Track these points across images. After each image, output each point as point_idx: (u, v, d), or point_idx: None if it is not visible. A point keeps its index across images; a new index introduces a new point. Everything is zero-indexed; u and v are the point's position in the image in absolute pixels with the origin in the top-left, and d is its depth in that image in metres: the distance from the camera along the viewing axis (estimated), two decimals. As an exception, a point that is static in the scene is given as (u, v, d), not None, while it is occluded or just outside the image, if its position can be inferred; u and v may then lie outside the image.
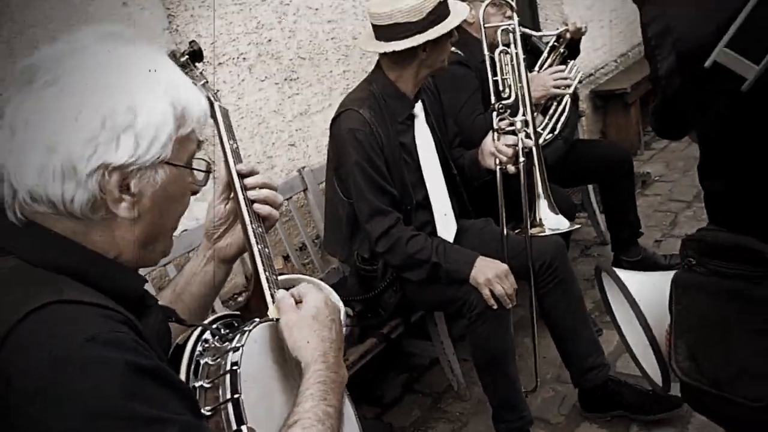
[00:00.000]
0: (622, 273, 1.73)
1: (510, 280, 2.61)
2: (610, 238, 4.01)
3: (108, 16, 2.73)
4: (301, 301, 1.39)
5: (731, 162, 1.39)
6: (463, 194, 3.10)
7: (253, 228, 1.56)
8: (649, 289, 1.69)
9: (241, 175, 1.59)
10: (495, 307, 2.60)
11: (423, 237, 2.73)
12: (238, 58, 3.28)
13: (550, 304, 2.88)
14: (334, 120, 2.83)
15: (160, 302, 1.37)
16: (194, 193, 1.29)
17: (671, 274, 1.59)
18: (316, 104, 3.64)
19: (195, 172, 1.28)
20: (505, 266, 2.64)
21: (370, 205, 2.70)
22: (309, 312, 1.37)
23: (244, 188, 1.59)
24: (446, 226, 2.98)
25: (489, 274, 2.61)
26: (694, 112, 1.39)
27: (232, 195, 1.61)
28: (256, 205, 1.59)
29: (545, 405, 3.09)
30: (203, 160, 1.28)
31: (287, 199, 3.32)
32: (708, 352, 1.45)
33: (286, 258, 3.23)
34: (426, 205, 2.93)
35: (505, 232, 2.91)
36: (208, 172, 1.30)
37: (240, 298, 3.19)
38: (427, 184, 2.94)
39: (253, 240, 1.55)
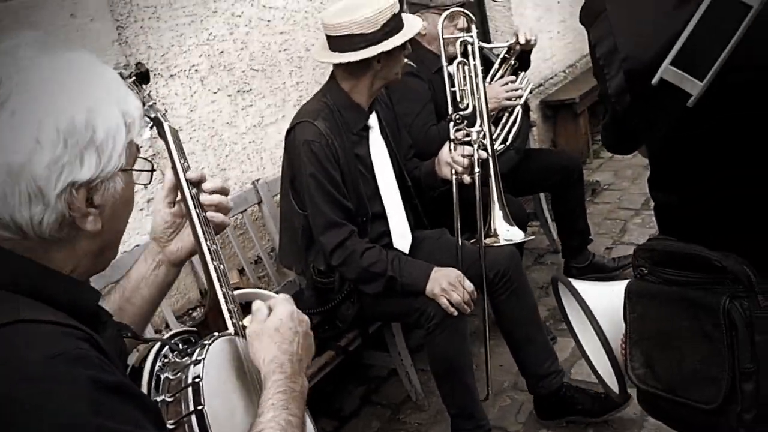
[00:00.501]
0: (577, 283, 1.75)
1: (465, 284, 2.63)
2: (561, 246, 4.07)
3: (55, 28, 2.67)
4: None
5: (680, 175, 1.43)
6: (418, 205, 3.11)
7: (207, 245, 1.54)
8: (605, 299, 1.72)
9: (192, 183, 1.58)
10: (455, 314, 2.60)
11: (377, 250, 2.74)
12: (189, 70, 3.25)
13: (505, 313, 2.91)
14: (288, 132, 2.82)
15: (108, 310, 1.35)
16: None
17: (625, 283, 1.63)
18: (269, 116, 3.62)
19: (153, 171, 1.28)
20: (458, 272, 2.67)
21: (324, 218, 2.70)
22: (272, 324, 1.38)
23: (197, 201, 1.57)
24: (402, 237, 2.99)
25: (443, 283, 2.63)
26: (643, 129, 1.43)
27: (178, 198, 1.59)
28: (209, 214, 1.59)
29: (502, 413, 3.12)
30: (144, 159, 1.27)
31: (242, 212, 3.29)
32: (662, 359, 1.48)
33: (242, 271, 3.20)
34: (381, 216, 2.93)
35: (459, 242, 2.94)
36: (152, 171, 1.29)
37: (194, 313, 3.15)
38: (383, 196, 2.94)
39: (208, 257, 1.54)
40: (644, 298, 1.52)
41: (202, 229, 1.54)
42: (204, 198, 1.59)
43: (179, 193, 1.59)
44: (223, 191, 1.63)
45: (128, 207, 1.23)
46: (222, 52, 3.39)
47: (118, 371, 1.08)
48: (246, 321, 1.43)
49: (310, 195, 2.70)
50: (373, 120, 2.93)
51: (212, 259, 1.53)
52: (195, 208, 1.56)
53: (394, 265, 2.70)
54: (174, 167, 1.60)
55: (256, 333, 1.37)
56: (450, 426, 2.80)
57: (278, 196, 3.26)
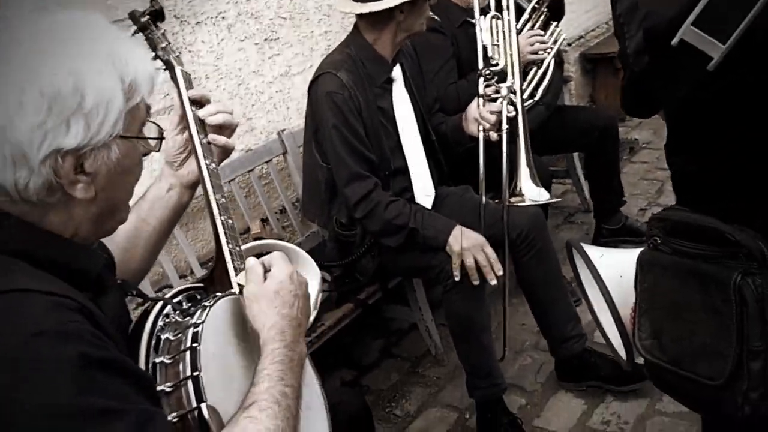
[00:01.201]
0: (590, 249, 1.72)
1: (487, 252, 2.59)
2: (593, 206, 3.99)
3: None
4: (269, 270, 1.38)
5: (697, 141, 1.38)
6: (442, 161, 3.06)
7: (216, 198, 1.54)
8: (617, 266, 1.69)
9: (194, 103, 1.60)
10: (476, 282, 2.57)
11: (401, 203, 2.71)
12: (216, 17, 3.21)
13: (528, 274, 2.88)
14: (311, 83, 2.78)
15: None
16: (145, 155, 1.26)
17: (638, 252, 1.59)
18: (296, 65, 3.58)
19: (161, 138, 1.28)
20: (482, 238, 2.62)
21: (348, 170, 2.67)
22: (271, 286, 1.35)
23: (200, 126, 1.59)
24: (424, 192, 2.96)
25: (465, 243, 2.59)
26: (661, 91, 1.37)
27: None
28: (211, 136, 1.61)
29: (522, 372, 3.11)
30: (153, 123, 1.26)
31: (267, 162, 3.29)
32: (670, 331, 1.46)
33: (265, 221, 3.20)
34: (404, 171, 2.90)
35: (483, 200, 2.89)
36: (161, 138, 1.28)
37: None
38: (405, 150, 2.90)
39: (216, 212, 1.53)
40: (656, 268, 1.48)
41: (209, 177, 1.54)
42: (209, 119, 1.61)
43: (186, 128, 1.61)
44: (226, 109, 1.65)
45: (130, 175, 1.21)
46: (249, -1, 3.34)
47: (111, 344, 1.07)
48: (240, 278, 1.41)
49: (333, 147, 2.67)
50: (396, 72, 2.88)
51: (220, 214, 1.52)
52: (201, 149, 1.56)
53: (417, 217, 2.67)
54: (182, 104, 1.61)
55: (255, 295, 1.34)
56: (465, 383, 2.80)
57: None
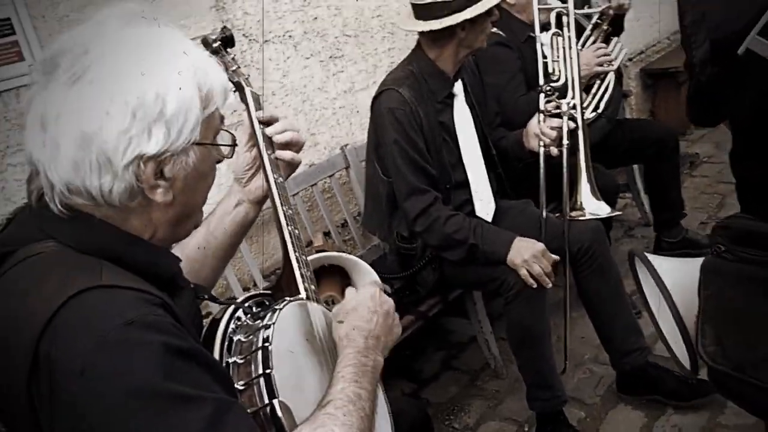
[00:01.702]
0: (654, 259, 1.74)
1: (547, 258, 2.61)
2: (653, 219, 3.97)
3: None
4: None
5: (760, 150, 1.39)
6: (502, 174, 3.10)
7: (283, 209, 1.61)
8: (681, 275, 1.70)
9: (263, 123, 1.67)
10: (534, 286, 2.60)
11: (461, 217, 2.75)
12: (284, 35, 3.33)
13: (589, 287, 2.88)
14: (374, 99, 2.86)
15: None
16: (218, 161, 1.32)
17: (701, 260, 1.60)
18: (360, 82, 3.66)
19: (234, 145, 1.33)
20: (541, 245, 2.65)
21: (408, 184, 2.73)
22: (350, 304, 1.48)
23: (269, 143, 1.67)
24: (485, 206, 2.99)
25: (526, 254, 2.62)
26: (727, 100, 1.39)
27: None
28: (278, 152, 1.68)
29: (581, 385, 3.11)
30: (227, 131, 1.32)
31: (329, 176, 3.37)
32: (733, 337, 1.47)
33: (327, 234, 3.28)
34: (465, 184, 2.95)
35: (544, 214, 2.91)
36: (233, 145, 1.34)
37: (273, 276, 3.26)
38: (466, 164, 2.95)
39: (284, 222, 1.60)
40: (720, 276, 1.50)
41: (277, 190, 1.62)
42: (277, 137, 1.68)
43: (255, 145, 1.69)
44: (293, 128, 1.72)
45: (205, 180, 1.27)
46: (316, 18, 3.45)
47: (191, 337, 1.14)
48: (302, 288, 1.54)
49: (394, 161, 2.73)
50: (458, 88, 2.93)
51: (287, 225, 1.59)
52: (269, 165, 1.64)
53: (477, 232, 2.71)
54: (251, 122, 1.69)
55: (336, 314, 1.48)
56: (526, 395, 2.81)
57: (365, 161, 3.31)
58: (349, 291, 1.56)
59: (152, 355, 1.03)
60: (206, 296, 1.44)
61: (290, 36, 3.36)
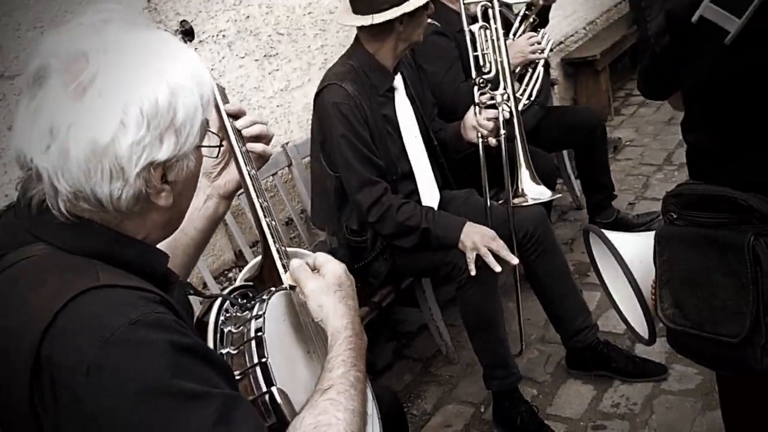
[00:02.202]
0: (609, 233, 1.82)
1: (498, 243, 2.69)
2: (585, 202, 4.12)
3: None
4: (315, 270, 1.45)
5: (712, 118, 1.49)
6: (444, 165, 3.17)
7: (259, 202, 1.62)
8: (635, 247, 1.79)
9: (231, 115, 1.66)
10: (473, 273, 2.66)
11: (412, 204, 2.81)
12: (217, 35, 3.30)
13: (537, 271, 2.98)
14: (317, 95, 2.87)
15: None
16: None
17: (653, 233, 1.69)
18: (295, 80, 3.67)
19: (221, 147, 1.35)
20: (491, 231, 2.73)
21: (358, 177, 2.76)
22: (333, 280, 1.42)
23: (239, 136, 1.65)
24: (430, 196, 3.06)
25: (476, 238, 2.69)
26: (680, 68, 1.48)
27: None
28: (249, 144, 1.67)
29: (531, 364, 3.21)
30: (213, 133, 1.33)
31: (272, 175, 3.37)
32: (691, 298, 1.56)
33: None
34: (410, 175, 3.00)
35: (488, 203, 3.00)
36: (220, 146, 1.35)
37: (230, 274, 3.25)
38: (410, 155, 3.00)
39: (261, 214, 1.61)
40: (673, 241, 1.59)
41: (251, 180, 1.62)
42: (246, 130, 1.68)
43: (225, 139, 1.66)
44: (261, 120, 1.72)
45: (196, 181, 1.29)
46: (248, 17, 3.44)
47: (192, 332, 1.14)
48: (286, 278, 1.49)
49: (343, 155, 2.76)
50: (398, 81, 2.98)
51: (264, 216, 1.60)
52: (242, 158, 1.63)
53: (428, 218, 2.77)
54: (220, 116, 1.67)
55: (320, 289, 1.40)
56: (482, 376, 2.89)
57: (307, 158, 3.33)
58: (301, 265, 1.45)
59: (159, 353, 1.03)
60: (191, 291, 1.43)
61: (224, 36, 3.34)
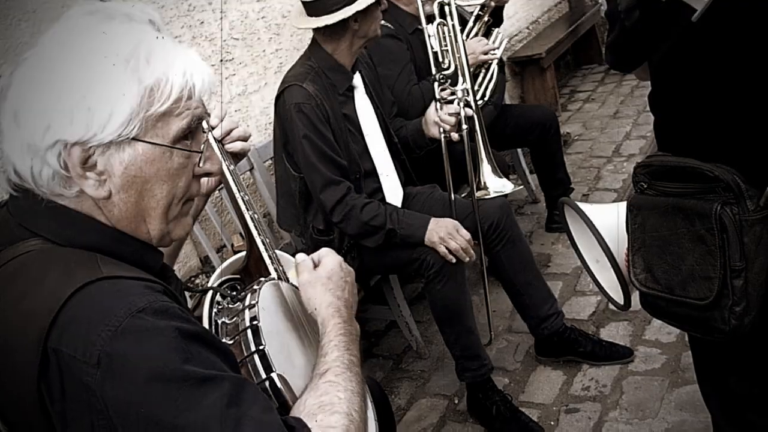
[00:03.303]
0: (583, 205, 1.89)
1: (462, 233, 2.74)
2: (543, 196, 4.21)
3: None
4: (318, 264, 1.50)
5: (678, 92, 1.55)
6: (406, 162, 3.20)
7: (241, 196, 1.63)
8: (608, 217, 1.87)
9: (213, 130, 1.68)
10: (453, 261, 2.71)
11: (376, 204, 2.83)
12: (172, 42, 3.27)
13: (502, 262, 3.02)
14: (278, 97, 2.87)
15: None
16: (203, 174, 1.25)
17: (624, 203, 1.76)
18: (252, 84, 3.67)
19: (196, 152, 1.21)
20: (455, 222, 2.78)
21: (322, 177, 2.77)
22: (323, 272, 1.48)
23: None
24: (393, 193, 3.09)
25: (441, 232, 2.73)
26: (649, 43, 1.54)
27: None
28: (228, 145, 1.72)
29: (501, 354, 3.26)
30: (210, 137, 1.32)
31: (234, 180, 3.35)
32: (661, 263, 1.62)
33: (242, 235, 3.26)
34: (373, 173, 3.03)
35: (452, 197, 3.04)
36: (198, 152, 1.21)
37: (197, 281, 3.22)
38: (372, 153, 3.03)
39: (244, 208, 1.63)
40: (644, 210, 1.65)
41: (232, 177, 1.63)
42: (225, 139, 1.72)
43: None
44: (236, 126, 1.78)
45: (158, 184, 1.17)
46: (202, 22, 3.43)
47: (196, 320, 1.15)
48: (290, 274, 1.52)
49: (305, 156, 2.77)
50: (357, 80, 3.01)
51: (247, 209, 1.62)
52: (220, 154, 1.65)
53: (393, 217, 2.79)
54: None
55: (309, 281, 1.47)
56: (455, 368, 2.92)
57: (269, 161, 3.33)
58: (305, 260, 1.51)
59: (167, 340, 1.03)
60: (183, 286, 1.44)
61: (179, 42, 3.30)
